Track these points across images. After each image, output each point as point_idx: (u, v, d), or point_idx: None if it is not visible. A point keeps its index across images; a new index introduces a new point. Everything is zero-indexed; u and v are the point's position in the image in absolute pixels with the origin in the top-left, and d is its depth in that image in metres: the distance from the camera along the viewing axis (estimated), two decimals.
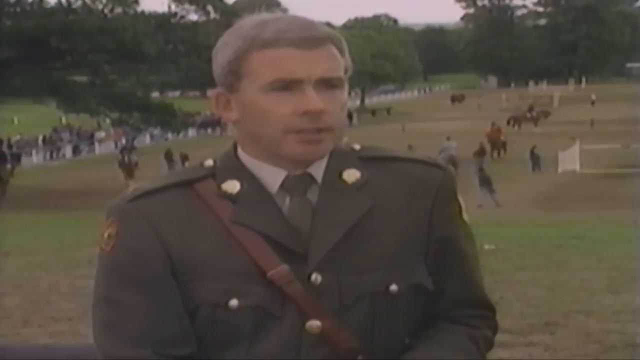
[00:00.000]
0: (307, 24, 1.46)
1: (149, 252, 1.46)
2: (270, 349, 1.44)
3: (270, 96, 1.44)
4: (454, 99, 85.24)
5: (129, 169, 32.97)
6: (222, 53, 1.49)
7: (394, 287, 1.48)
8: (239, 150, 1.53)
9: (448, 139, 36.07)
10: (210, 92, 1.53)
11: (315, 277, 1.45)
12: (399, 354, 1.51)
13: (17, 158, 44.17)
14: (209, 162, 1.54)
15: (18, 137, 47.71)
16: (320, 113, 1.43)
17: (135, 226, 1.47)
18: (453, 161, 26.44)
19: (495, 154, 38.32)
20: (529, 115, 55.56)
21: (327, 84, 1.45)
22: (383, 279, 1.48)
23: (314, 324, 1.44)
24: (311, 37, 1.44)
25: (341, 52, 1.49)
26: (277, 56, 1.43)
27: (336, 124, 1.47)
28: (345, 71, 1.50)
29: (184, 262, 1.46)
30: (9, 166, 32.22)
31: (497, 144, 39.19)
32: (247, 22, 1.48)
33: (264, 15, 1.49)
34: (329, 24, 1.58)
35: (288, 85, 1.43)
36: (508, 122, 51.63)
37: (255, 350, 1.45)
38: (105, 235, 1.49)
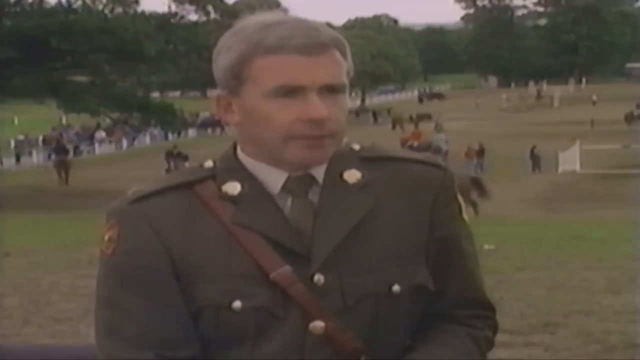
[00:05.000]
0: (312, 30, 1.44)
1: (150, 254, 1.46)
2: (273, 350, 1.44)
3: (273, 102, 1.43)
4: (421, 99, 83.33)
5: None
6: (223, 56, 1.47)
7: (396, 288, 1.48)
8: (239, 152, 1.52)
9: (438, 131, 35.47)
10: (211, 94, 1.52)
11: (318, 278, 1.45)
12: (401, 354, 1.51)
13: (16, 158, 44.23)
14: (209, 163, 1.53)
15: (21, 137, 47.70)
16: (324, 120, 1.43)
17: (137, 228, 1.46)
18: (440, 153, 26.19)
19: None
20: (636, 112, 54.64)
21: (331, 89, 1.44)
22: (385, 279, 1.48)
23: (318, 324, 1.44)
24: (316, 43, 1.43)
25: (344, 56, 1.48)
26: (281, 62, 1.42)
27: (339, 129, 1.46)
28: (347, 74, 1.49)
29: (186, 264, 1.45)
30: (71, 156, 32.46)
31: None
32: (250, 25, 1.46)
33: (267, 18, 1.46)
34: (329, 24, 1.56)
35: (291, 92, 1.42)
36: (625, 119, 51.32)
37: (258, 352, 1.45)
38: (106, 238, 1.48)
